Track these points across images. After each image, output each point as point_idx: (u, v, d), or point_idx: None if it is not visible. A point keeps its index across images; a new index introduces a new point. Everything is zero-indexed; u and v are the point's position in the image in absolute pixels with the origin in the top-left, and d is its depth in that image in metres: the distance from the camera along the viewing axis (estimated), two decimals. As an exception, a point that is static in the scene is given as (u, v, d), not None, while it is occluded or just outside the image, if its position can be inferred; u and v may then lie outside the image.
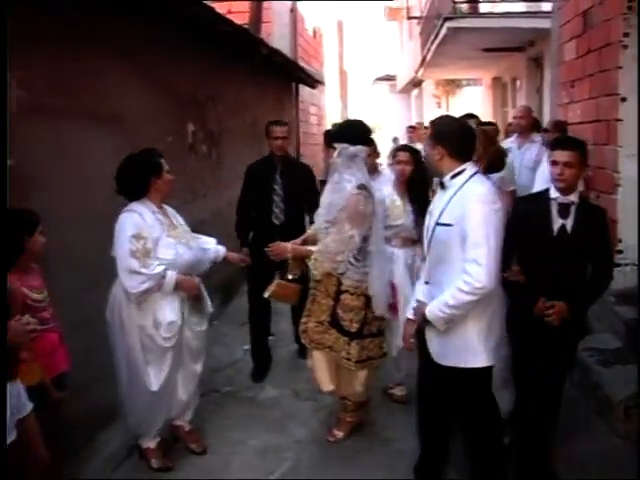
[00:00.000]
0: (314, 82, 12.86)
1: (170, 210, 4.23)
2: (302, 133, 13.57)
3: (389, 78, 29.06)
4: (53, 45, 4.15)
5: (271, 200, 5.52)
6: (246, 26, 9.66)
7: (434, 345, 3.41)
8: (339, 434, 4.46)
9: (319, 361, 4.24)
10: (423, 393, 3.71)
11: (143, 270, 3.78)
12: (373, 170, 5.31)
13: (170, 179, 4.08)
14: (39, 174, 3.98)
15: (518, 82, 12.70)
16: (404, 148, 5.07)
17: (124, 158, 3.94)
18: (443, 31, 9.51)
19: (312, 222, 4.53)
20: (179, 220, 4.25)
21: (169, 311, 3.93)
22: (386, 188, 4.71)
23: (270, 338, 5.94)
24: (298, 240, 4.38)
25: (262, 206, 5.55)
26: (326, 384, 4.27)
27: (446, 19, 9.40)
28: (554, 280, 3.47)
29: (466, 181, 3.25)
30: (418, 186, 4.69)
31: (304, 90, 13.81)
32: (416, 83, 23.33)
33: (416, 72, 16.63)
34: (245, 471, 4.13)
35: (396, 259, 4.66)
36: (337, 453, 4.32)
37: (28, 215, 3.36)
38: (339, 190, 4.03)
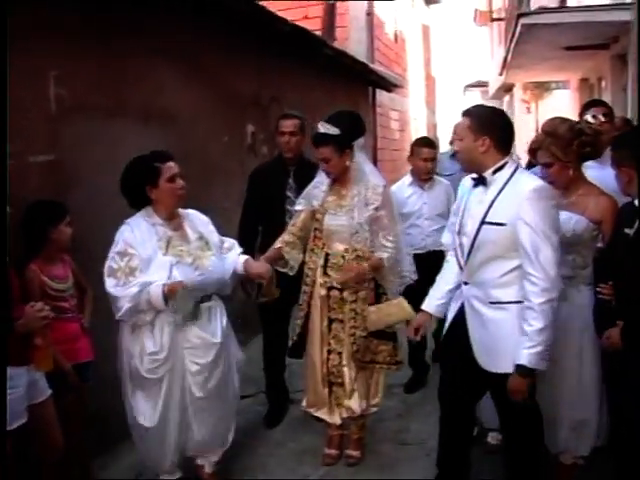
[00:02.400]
0: (391, 86, 12.74)
1: (195, 220, 3.77)
2: (380, 138, 13.46)
3: (481, 84, 28.63)
4: (102, 44, 4.27)
5: (284, 210, 4.59)
6: (318, 31, 9.71)
7: (481, 353, 3.20)
8: (357, 453, 4.22)
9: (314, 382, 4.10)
10: (452, 399, 3.49)
11: (117, 290, 3.37)
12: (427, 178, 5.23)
13: (173, 187, 3.53)
14: (83, 171, 4.09)
15: (603, 82, 12.20)
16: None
17: (128, 162, 3.59)
18: (518, 29, 9.21)
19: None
20: (204, 232, 3.73)
21: (152, 340, 3.47)
22: None
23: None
24: (266, 255, 4.08)
25: (272, 218, 4.58)
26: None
27: (520, 15, 9.12)
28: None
29: (511, 175, 3.07)
30: None
31: (383, 95, 13.73)
32: (507, 89, 22.84)
33: (499, 74, 16.26)
34: (281, 472, 4.12)
35: None
36: (376, 461, 4.24)
37: (53, 206, 3.45)
38: (364, 186, 3.93)
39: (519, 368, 2.96)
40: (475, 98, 30.73)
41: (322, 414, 4.14)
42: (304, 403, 4.22)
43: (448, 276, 3.48)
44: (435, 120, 25.90)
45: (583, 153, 3.41)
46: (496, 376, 3.13)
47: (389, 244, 3.94)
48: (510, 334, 3.05)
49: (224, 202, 5.60)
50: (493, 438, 4.29)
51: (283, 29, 6.44)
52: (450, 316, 3.41)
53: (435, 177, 5.34)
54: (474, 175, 3.20)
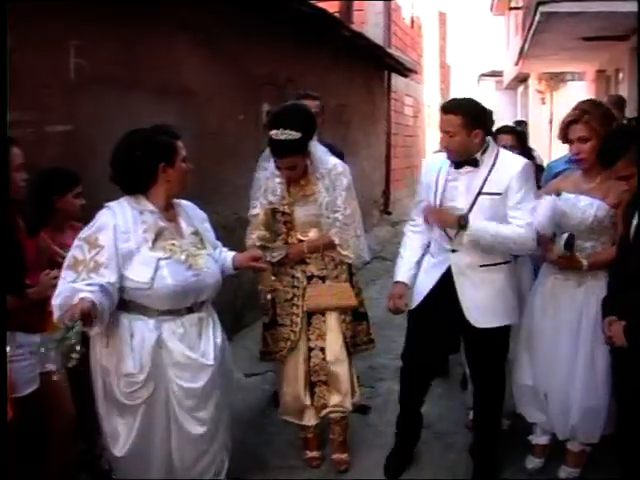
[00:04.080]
0: (406, 70, 12.68)
1: (191, 212, 3.19)
2: (394, 123, 13.40)
3: (495, 74, 28.47)
4: (122, 18, 4.25)
5: None
6: (337, 14, 9.66)
7: (473, 312, 3.55)
8: (346, 457, 3.95)
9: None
10: (419, 360, 3.77)
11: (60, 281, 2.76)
12: None
13: (185, 169, 3.01)
14: (99, 142, 4.08)
15: (621, 74, 12.10)
16: (505, 130, 4.69)
17: (125, 135, 2.97)
18: (537, 17, 9.14)
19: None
20: (199, 228, 3.17)
21: (130, 358, 2.86)
22: None
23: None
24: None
25: None
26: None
27: (539, 3, 9.02)
28: None
29: (497, 154, 3.51)
30: None
31: (399, 80, 13.67)
32: (522, 79, 22.73)
33: (515, 64, 16.17)
34: (289, 450, 4.12)
35: None
36: (384, 441, 4.20)
37: (63, 176, 3.42)
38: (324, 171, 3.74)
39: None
40: (489, 88, 30.59)
41: (295, 419, 3.91)
42: (280, 410, 3.99)
43: (414, 248, 3.78)
44: (448, 108, 25.77)
45: None
46: (484, 332, 3.53)
47: (340, 218, 3.70)
48: (503, 291, 3.57)
49: (237, 180, 5.59)
50: (502, 423, 4.30)
51: (301, 9, 6.40)
52: (428, 285, 3.65)
53: None
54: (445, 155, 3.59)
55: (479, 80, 31.58)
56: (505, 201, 3.44)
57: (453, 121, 3.40)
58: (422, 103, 18.33)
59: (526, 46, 12.23)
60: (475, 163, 3.49)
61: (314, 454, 3.98)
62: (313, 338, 3.77)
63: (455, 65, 29.61)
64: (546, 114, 20.58)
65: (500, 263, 3.55)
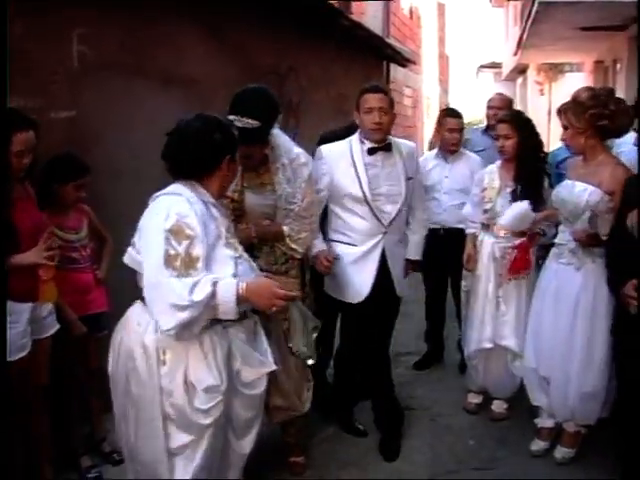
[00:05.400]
0: (405, 61, 12.71)
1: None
2: (393, 114, 13.41)
3: (494, 66, 28.45)
4: (125, 7, 4.28)
5: None
6: (335, 3, 9.68)
7: (399, 283, 3.97)
8: (302, 459, 3.80)
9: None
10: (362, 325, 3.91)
11: (177, 288, 2.39)
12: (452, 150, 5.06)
13: (237, 169, 2.92)
14: (103, 128, 4.14)
15: (619, 65, 12.13)
16: (502, 119, 4.35)
17: (196, 116, 2.74)
18: (535, 7, 9.18)
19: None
20: None
21: (206, 369, 2.55)
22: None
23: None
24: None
25: None
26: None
27: (537, -7, 9.09)
28: None
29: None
30: (524, 163, 4.14)
31: (397, 71, 13.69)
32: (521, 70, 22.73)
33: (514, 54, 16.19)
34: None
35: (480, 247, 4.32)
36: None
37: (65, 165, 3.49)
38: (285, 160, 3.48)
39: None
40: (488, 79, 30.59)
41: None
42: None
43: None
44: (448, 99, 25.79)
45: (600, 126, 3.47)
46: (397, 300, 4.06)
47: (296, 210, 3.46)
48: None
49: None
50: (498, 406, 4.39)
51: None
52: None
53: (464, 152, 5.12)
54: None
55: (478, 71, 31.55)
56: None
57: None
58: (421, 94, 18.35)
59: (524, 36, 12.27)
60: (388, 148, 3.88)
61: (300, 460, 3.80)
62: None
63: (454, 56, 29.62)
64: (545, 105, 20.59)
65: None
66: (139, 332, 2.56)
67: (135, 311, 2.65)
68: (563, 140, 3.99)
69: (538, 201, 4.02)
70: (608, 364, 3.57)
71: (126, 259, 2.70)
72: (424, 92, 18.97)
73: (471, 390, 4.54)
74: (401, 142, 4.01)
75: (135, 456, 2.70)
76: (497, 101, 5.64)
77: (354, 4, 10.88)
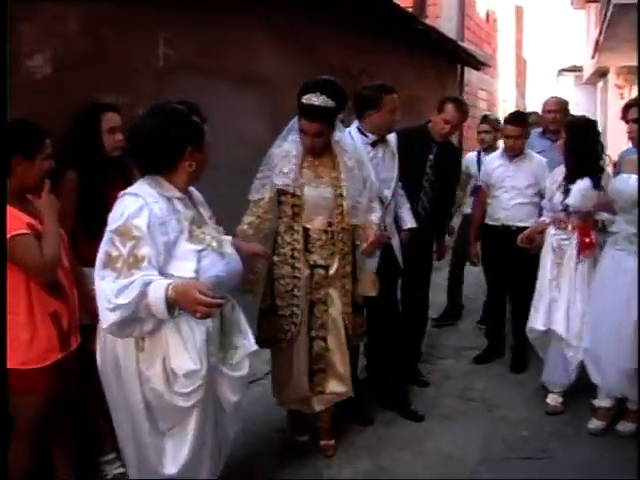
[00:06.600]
0: (478, 64, 12.72)
1: (196, 195, 2.90)
2: (466, 117, 13.42)
3: (575, 69, 27.88)
4: (205, 13, 4.60)
5: (420, 185, 4.69)
6: (410, 9, 9.84)
7: (399, 255, 4.39)
8: (333, 442, 3.98)
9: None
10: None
11: (112, 288, 2.42)
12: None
13: (207, 156, 2.77)
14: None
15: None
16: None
17: (153, 108, 2.69)
18: (610, 9, 9.11)
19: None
20: (206, 210, 2.91)
21: (186, 354, 2.58)
22: None
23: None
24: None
25: (407, 190, 4.55)
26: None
27: (613, -5, 9.02)
28: None
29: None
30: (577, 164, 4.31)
31: (472, 74, 13.71)
32: (601, 74, 22.26)
33: (592, 57, 15.93)
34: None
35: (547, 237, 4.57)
36: (439, 412, 4.52)
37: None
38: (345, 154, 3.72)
39: None
40: (568, 83, 29.99)
41: (298, 406, 3.85)
42: (278, 399, 3.91)
43: None
44: (525, 103, 25.47)
45: None
46: None
47: (376, 205, 3.89)
48: None
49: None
50: (553, 399, 4.50)
51: (376, 3, 6.64)
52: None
53: (529, 153, 5.24)
54: None
55: (558, 75, 30.98)
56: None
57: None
58: (497, 98, 18.25)
59: (601, 39, 12.12)
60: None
61: (331, 442, 3.96)
62: (315, 327, 3.65)
63: (533, 59, 29.18)
64: (625, 110, 20.14)
65: None
66: None
67: None
68: (629, 133, 4.14)
69: (597, 185, 4.17)
70: None
71: None
72: (500, 95, 18.84)
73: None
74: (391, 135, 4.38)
75: (125, 442, 2.79)
76: (553, 104, 5.92)
77: (429, 8, 11.00)
